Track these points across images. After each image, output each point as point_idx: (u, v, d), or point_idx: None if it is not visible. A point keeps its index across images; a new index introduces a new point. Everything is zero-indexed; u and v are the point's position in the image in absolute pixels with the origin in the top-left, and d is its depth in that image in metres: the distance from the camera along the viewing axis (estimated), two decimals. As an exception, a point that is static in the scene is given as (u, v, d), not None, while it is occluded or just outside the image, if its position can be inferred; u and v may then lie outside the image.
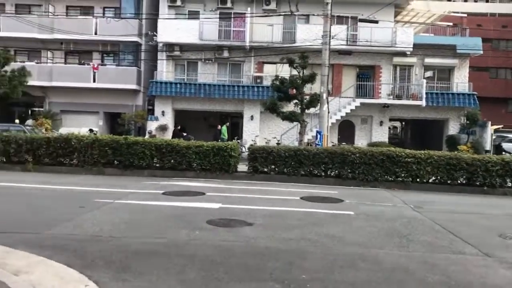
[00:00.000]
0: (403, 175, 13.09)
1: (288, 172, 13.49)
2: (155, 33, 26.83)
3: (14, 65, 24.10)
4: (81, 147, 13.91)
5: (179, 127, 24.66)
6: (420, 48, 26.49)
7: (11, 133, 14.87)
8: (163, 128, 26.52)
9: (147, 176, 13.47)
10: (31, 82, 24.82)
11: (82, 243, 5.94)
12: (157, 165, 14.01)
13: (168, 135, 24.73)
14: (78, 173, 13.63)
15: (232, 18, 26.84)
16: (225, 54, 26.78)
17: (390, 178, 13.16)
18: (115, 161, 14.02)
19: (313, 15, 22.19)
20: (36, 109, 28.85)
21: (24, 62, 26.84)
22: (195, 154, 13.68)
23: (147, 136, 23.70)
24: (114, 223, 7.20)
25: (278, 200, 10.14)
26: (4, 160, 14.20)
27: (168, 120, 27.07)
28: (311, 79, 19.47)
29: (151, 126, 26.73)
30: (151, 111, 27.87)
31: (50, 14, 28.08)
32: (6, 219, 7.26)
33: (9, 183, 11.05)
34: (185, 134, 22.90)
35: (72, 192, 10.32)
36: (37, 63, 28.03)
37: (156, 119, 26.96)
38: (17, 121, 24.40)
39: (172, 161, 13.84)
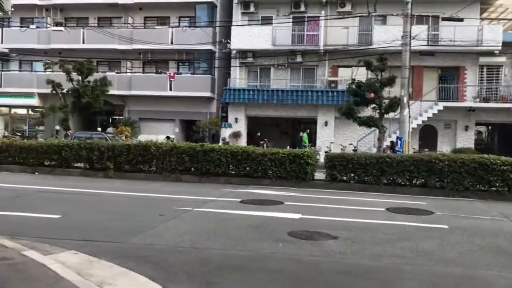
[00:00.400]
0: (497, 184, 11.91)
1: (369, 181, 12.77)
2: (228, 40, 27.07)
3: (96, 76, 25.30)
4: (159, 154, 14.11)
5: (258, 134, 24.60)
6: (510, 47, 24.45)
7: (94, 141, 15.43)
8: (236, 135, 26.61)
9: (223, 183, 13.35)
10: (112, 91, 25.97)
11: (164, 254, 5.78)
12: (233, 172, 13.87)
13: (242, 142, 24.74)
14: (156, 180, 13.81)
15: (305, 22, 26.37)
16: (298, 59, 26.38)
17: (483, 188, 12.03)
18: (192, 168, 14.06)
19: (391, 15, 21.15)
20: (116, 117, 30.16)
21: (105, 72, 28.15)
22: (271, 162, 13.36)
23: (220, 143, 23.85)
24: (194, 233, 7.01)
25: (362, 211, 9.53)
26: (88, 166, 14.74)
27: (241, 127, 27.13)
28: (390, 82, 18.57)
29: (225, 133, 26.90)
30: (225, 118, 28.09)
31: (129, 25, 29.29)
32: (90, 226, 7.32)
33: (92, 189, 11.37)
34: (262, 141, 22.83)
35: (151, 199, 10.38)
36: (117, 73, 29.32)
37: (230, 126, 27.10)
38: (99, 129, 25.61)
39: (247, 168, 13.63)
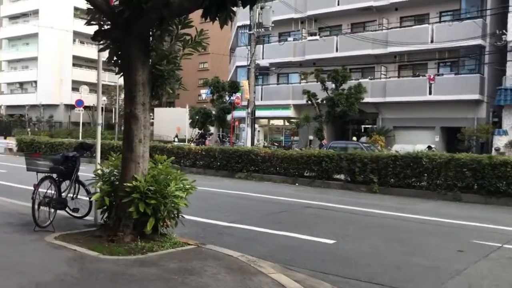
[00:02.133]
0: None
1: None
2: (504, 31, 22.56)
3: (349, 83, 24.36)
4: (432, 167, 11.79)
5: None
6: None
7: (354, 151, 14.11)
8: (514, 144, 21.87)
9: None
10: (366, 99, 24.68)
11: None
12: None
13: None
14: (428, 198, 11.57)
15: None
16: None
17: None
18: (475, 186, 11.27)
19: None
20: (368, 126, 28.76)
21: (358, 79, 27.08)
22: None
23: (493, 153, 19.74)
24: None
25: None
26: (349, 179, 13.47)
27: (520, 134, 22.20)
28: None
29: (499, 142, 22.41)
30: (498, 124, 23.53)
31: (384, 27, 27.61)
32: (374, 261, 5.66)
33: (360, 207, 9.87)
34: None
35: (439, 225, 8.20)
36: (370, 79, 27.93)
37: (505, 133, 22.49)
38: (354, 138, 24.56)
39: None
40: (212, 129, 38.55)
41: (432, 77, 24.94)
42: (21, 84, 60.10)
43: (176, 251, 5.37)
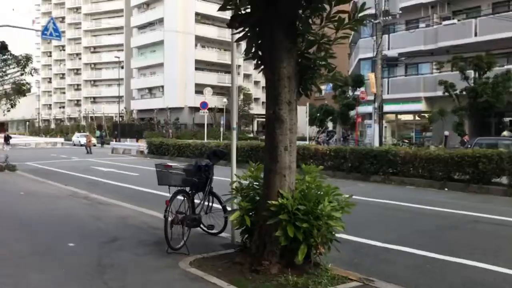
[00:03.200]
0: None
1: None
2: None
3: (494, 71, 21.19)
4: None
5: None
6: None
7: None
8: None
9: None
10: (512, 87, 21.25)
11: None
12: None
13: None
14: None
15: None
16: None
17: None
18: None
19: None
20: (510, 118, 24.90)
21: (503, 66, 23.54)
22: None
23: None
24: None
25: None
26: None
27: None
28: None
29: None
30: None
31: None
32: None
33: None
34: None
35: None
36: (519, 65, 24.14)
37: None
38: (504, 133, 21.25)
39: None
40: (330, 126, 37.02)
41: None
42: (150, 89, 64.30)
43: (339, 291, 4.21)
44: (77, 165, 19.46)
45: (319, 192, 4.73)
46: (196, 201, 5.83)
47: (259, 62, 4.69)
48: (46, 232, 6.36)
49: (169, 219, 5.14)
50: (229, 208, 5.57)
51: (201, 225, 5.92)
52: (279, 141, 4.55)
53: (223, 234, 6.12)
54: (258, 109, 63.98)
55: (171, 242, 5.19)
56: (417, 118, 30.43)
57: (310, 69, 4.62)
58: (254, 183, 5.15)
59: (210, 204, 6.07)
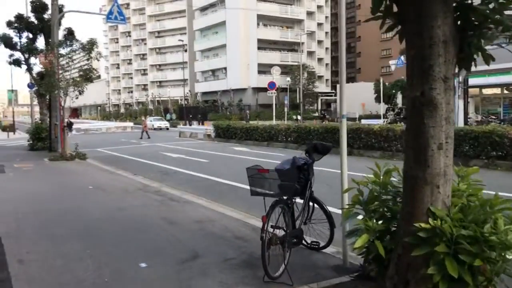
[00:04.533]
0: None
1: None
2: None
3: None
4: None
5: None
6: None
7: None
8: None
9: None
10: None
11: None
12: None
13: None
14: None
15: None
16: None
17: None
18: None
19: None
20: None
21: None
22: None
23: None
24: None
25: None
26: None
27: None
28: None
29: None
30: None
31: None
32: None
33: None
34: None
35: None
36: None
37: None
38: None
39: None
40: (400, 102, 34.50)
41: None
42: (213, 71, 63.95)
43: None
44: (146, 151, 18.92)
45: (485, 208, 3.26)
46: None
47: (400, 19, 3.22)
48: (113, 245, 5.31)
49: (266, 239, 3.89)
50: (346, 227, 4.22)
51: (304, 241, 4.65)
52: (430, 136, 3.10)
53: (328, 250, 4.81)
54: (321, 87, 61.86)
55: (269, 268, 3.95)
56: (505, 91, 27.31)
57: (475, 28, 3.11)
58: (381, 193, 3.76)
59: (310, 212, 4.78)
